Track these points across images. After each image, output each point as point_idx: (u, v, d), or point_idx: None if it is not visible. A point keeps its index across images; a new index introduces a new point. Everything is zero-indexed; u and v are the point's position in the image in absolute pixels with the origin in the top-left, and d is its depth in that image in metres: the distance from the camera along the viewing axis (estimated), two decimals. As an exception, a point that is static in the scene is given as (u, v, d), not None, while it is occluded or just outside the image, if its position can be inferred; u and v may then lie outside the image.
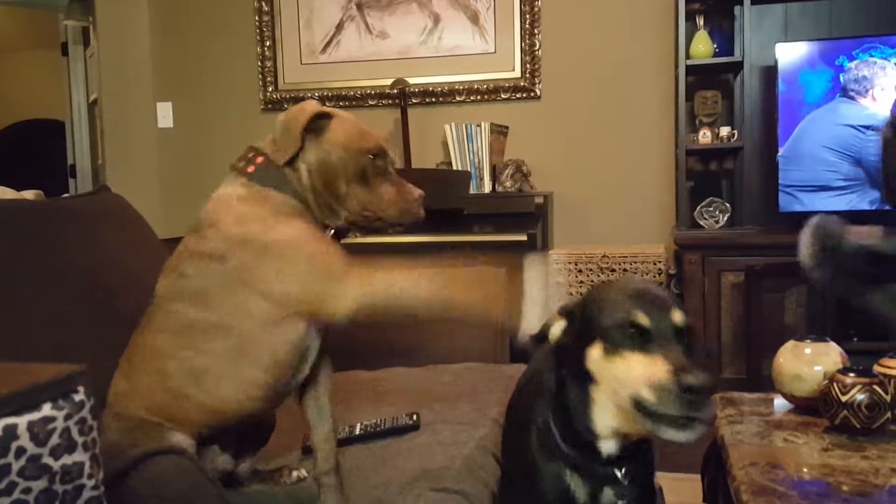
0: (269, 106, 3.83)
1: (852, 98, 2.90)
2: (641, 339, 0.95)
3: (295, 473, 1.40)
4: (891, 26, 3.02)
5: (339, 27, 3.71)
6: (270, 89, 3.82)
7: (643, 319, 0.96)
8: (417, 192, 1.29)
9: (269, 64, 3.81)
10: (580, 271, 3.10)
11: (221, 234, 1.20)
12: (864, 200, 2.91)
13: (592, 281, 3.08)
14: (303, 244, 1.18)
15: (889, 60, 2.87)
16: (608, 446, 1.04)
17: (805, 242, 0.56)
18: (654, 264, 3.03)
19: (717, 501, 1.45)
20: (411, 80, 3.49)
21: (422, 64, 3.60)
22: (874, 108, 2.88)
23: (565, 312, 1.06)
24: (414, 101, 3.58)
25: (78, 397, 0.62)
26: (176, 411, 1.20)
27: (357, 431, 1.51)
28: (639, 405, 0.93)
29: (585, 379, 1.00)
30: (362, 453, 1.43)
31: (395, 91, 3.46)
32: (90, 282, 1.45)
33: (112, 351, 1.25)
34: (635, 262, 3.05)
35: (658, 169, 3.41)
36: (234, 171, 1.29)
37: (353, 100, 3.71)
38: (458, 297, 1.17)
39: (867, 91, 2.90)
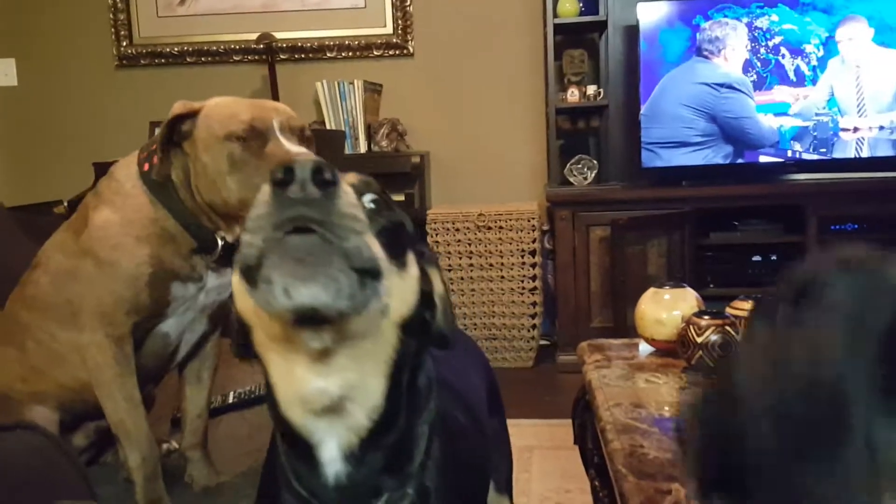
0: (124, 62, 3.56)
1: (707, 57, 3.07)
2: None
3: (165, 446, 1.39)
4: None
5: (199, -23, 3.48)
6: (125, 44, 3.55)
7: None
8: (294, 152, 1.11)
9: (122, 16, 3.53)
10: (457, 230, 3.13)
11: (84, 235, 1.18)
12: (718, 155, 3.10)
13: (470, 240, 3.12)
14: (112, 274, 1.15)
15: (741, 21, 3.05)
16: (327, 451, 0.67)
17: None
18: (529, 221, 3.11)
19: (587, 443, 1.53)
20: (278, 35, 3.35)
21: (289, 18, 3.45)
22: (726, 67, 3.06)
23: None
24: (282, 57, 3.44)
25: None
26: (36, 387, 1.20)
27: (231, 400, 1.47)
28: (249, 280, 0.58)
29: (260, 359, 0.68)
30: (237, 421, 1.41)
31: (262, 46, 3.31)
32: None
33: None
34: (510, 220, 3.11)
35: (530, 127, 3.48)
36: (136, 157, 1.20)
37: (217, 55, 3.52)
38: None
39: (720, 51, 3.07)
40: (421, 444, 0.72)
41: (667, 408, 1.28)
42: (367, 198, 0.67)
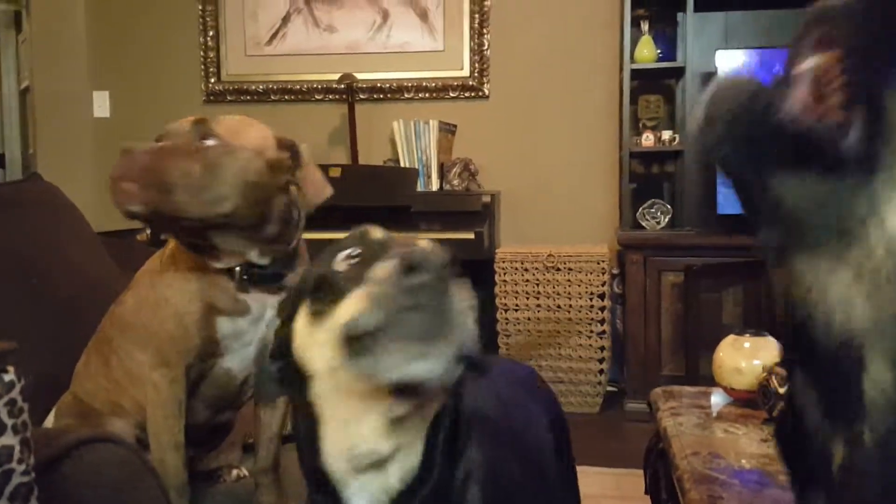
0: (212, 98, 3.73)
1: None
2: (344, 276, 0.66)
3: (235, 472, 1.39)
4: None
5: (286, 19, 3.64)
6: (213, 80, 3.73)
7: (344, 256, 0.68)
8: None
9: (211, 54, 3.72)
10: (526, 270, 3.12)
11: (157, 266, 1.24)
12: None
13: (538, 280, 3.11)
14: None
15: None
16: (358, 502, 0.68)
17: (709, 100, 0.51)
18: (598, 264, 3.08)
19: (660, 493, 1.48)
20: (359, 76, 3.46)
21: (370, 60, 3.57)
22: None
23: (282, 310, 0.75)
24: (362, 97, 3.54)
25: (7, 377, 0.58)
26: (117, 401, 1.22)
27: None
28: (353, 346, 0.61)
29: (305, 405, 0.68)
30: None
31: (343, 86, 3.42)
32: (22, 267, 1.39)
33: (44, 335, 1.22)
34: (580, 262, 3.08)
35: (602, 170, 3.47)
36: None
37: (300, 94, 3.65)
38: None
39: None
40: (459, 495, 0.70)
41: (745, 459, 1.23)
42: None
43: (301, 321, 0.67)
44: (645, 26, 3.23)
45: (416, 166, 3.31)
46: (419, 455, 0.66)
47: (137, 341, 1.21)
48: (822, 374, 0.51)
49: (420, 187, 3.28)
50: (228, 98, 3.72)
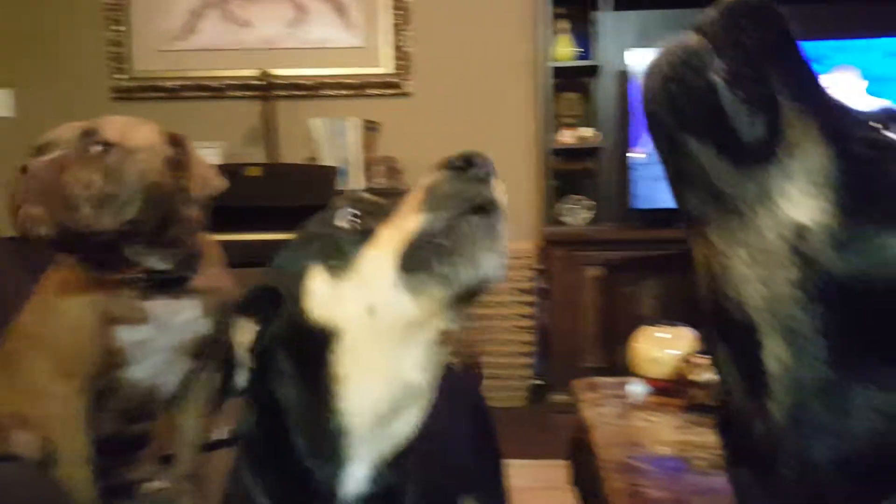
0: (121, 95, 3.57)
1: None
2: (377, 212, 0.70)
3: (153, 484, 1.35)
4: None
5: (199, 13, 3.52)
6: (122, 77, 3.57)
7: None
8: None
9: (120, 49, 3.56)
10: (450, 267, 3.12)
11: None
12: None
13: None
14: None
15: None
16: (357, 474, 0.68)
17: (657, 56, 0.54)
18: (523, 259, 3.12)
19: (584, 483, 1.50)
20: (277, 72, 3.38)
21: (288, 55, 3.49)
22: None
23: (248, 307, 0.72)
24: (280, 93, 3.47)
25: None
26: (24, 413, 1.18)
27: (225, 435, 1.44)
28: (413, 258, 0.63)
29: (315, 373, 0.67)
30: (230, 457, 1.37)
31: (260, 83, 3.34)
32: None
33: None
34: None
35: (524, 167, 3.51)
36: None
37: (215, 91, 3.54)
38: None
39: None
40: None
41: (665, 446, 1.26)
42: None
43: (317, 283, 0.67)
44: (563, 25, 3.29)
45: (339, 165, 3.26)
46: (431, 398, 0.69)
47: (39, 353, 1.15)
48: (737, 349, 0.53)
49: (344, 186, 3.24)
50: (138, 95, 3.57)
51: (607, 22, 3.19)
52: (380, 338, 0.65)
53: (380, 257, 0.65)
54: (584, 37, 3.36)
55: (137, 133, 1.11)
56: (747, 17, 0.53)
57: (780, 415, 0.50)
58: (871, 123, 0.53)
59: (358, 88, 3.51)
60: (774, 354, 0.50)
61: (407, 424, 0.69)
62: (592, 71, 3.33)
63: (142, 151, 1.09)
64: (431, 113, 3.51)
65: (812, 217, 0.49)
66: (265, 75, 3.31)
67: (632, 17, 3.37)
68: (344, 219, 0.70)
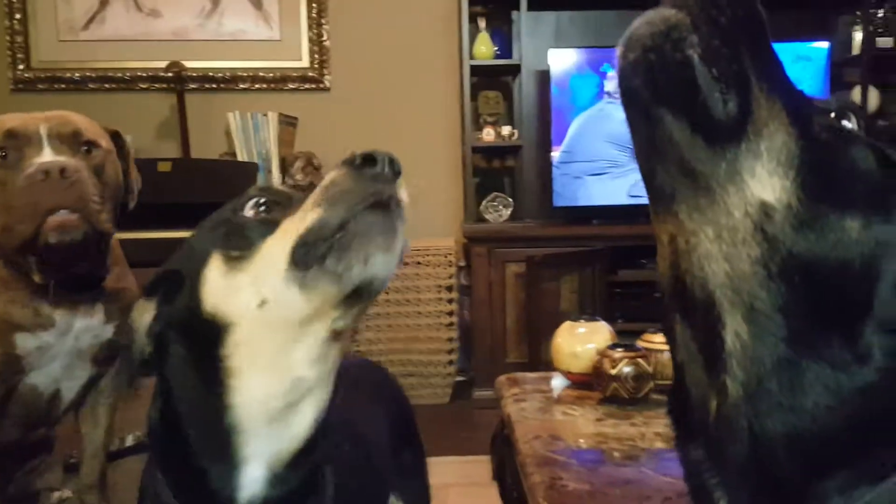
0: (20, 86, 3.37)
1: (615, 100, 3.20)
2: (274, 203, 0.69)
3: (57, 494, 1.30)
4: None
5: (104, 2, 3.35)
6: (21, 67, 3.37)
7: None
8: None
9: (19, 39, 3.36)
10: (372, 265, 3.09)
11: None
12: (639, 186, 3.22)
13: (385, 275, 3.09)
14: None
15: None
16: (253, 475, 0.66)
17: (635, 25, 0.54)
18: (445, 257, 3.12)
19: (506, 478, 1.51)
20: (189, 64, 3.26)
21: (200, 47, 3.38)
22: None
23: (152, 289, 0.71)
24: (192, 86, 3.35)
25: None
26: None
27: (128, 443, 1.38)
28: (305, 253, 0.62)
29: (207, 363, 0.66)
30: (137, 465, 1.31)
31: (171, 75, 3.21)
32: None
33: None
34: (427, 255, 3.11)
35: (446, 165, 3.51)
36: None
37: (122, 82, 3.39)
38: None
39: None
40: (322, 475, 0.72)
41: (583, 439, 1.28)
42: None
43: (214, 272, 0.66)
44: (482, 23, 3.31)
45: (256, 160, 3.17)
46: (327, 398, 0.68)
47: None
48: (697, 325, 0.54)
49: (261, 183, 3.15)
50: (39, 87, 3.38)
51: (526, 22, 3.22)
52: (271, 332, 0.64)
53: (275, 251, 0.63)
54: (501, 36, 3.39)
55: (99, 131, 1.11)
56: None
57: (737, 391, 0.51)
58: (827, 113, 0.55)
59: (275, 82, 3.43)
60: (734, 331, 0.51)
61: (302, 422, 0.67)
62: (513, 70, 3.36)
63: (111, 151, 1.11)
64: (351, 108, 3.47)
65: (776, 196, 0.50)
66: (176, 67, 3.19)
67: (550, 17, 3.42)
68: (252, 208, 0.68)
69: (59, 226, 0.99)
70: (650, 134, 0.54)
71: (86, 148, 1.07)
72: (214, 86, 3.41)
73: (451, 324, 3.12)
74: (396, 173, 0.65)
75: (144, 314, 0.69)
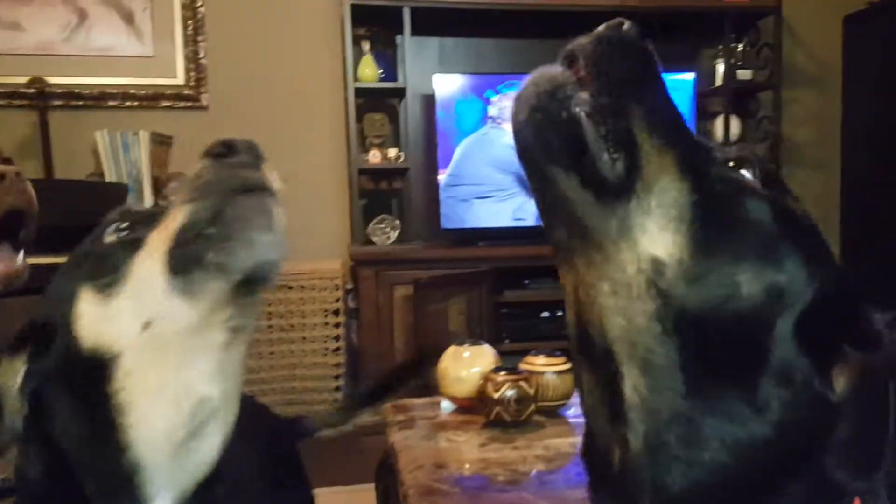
0: None
1: (499, 125, 3.27)
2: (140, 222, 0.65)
3: None
4: (528, 66, 3.46)
5: (-43, 13, 3.10)
6: None
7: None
8: None
9: None
10: (255, 291, 2.99)
11: None
12: (523, 209, 3.29)
13: (269, 300, 2.99)
14: None
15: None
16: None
17: (525, 83, 0.55)
18: (332, 280, 3.06)
19: (390, 509, 1.48)
20: (52, 80, 3.06)
21: (65, 63, 3.17)
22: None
23: (18, 345, 0.65)
24: (56, 103, 3.13)
25: None
26: None
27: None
28: (181, 256, 0.59)
29: (95, 406, 0.61)
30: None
31: (32, 91, 3.00)
32: None
33: None
34: (312, 279, 3.04)
35: (332, 187, 3.46)
36: None
37: (-23, 98, 3.13)
38: None
39: (508, 119, 3.28)
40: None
41: (467, 465, 1.27)
42: None
43: (87, 306, 0.62)
44: (366, 46, 3.30)
45: (126, 181, 3.00)
46: (233, 417, 0.65)
47: None
48: (600, 375, 0.54)
49: (132, 204, 2.98)
50: None
51: (410, 46, 3.24)
52: (161, 353, 0.60)
53: (148, 265, 0.60)
54: (385, 59, 3.39)
55: None
56: (615, 48, 0.53)
57: (637, 443, 0.51)
58: (726, 162, 0.55)
59: (148, 100, 3.27)
60: (632, 384, 0.51)
61: (209, 448, 0.63)
62: (398, 93, 3.36)
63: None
64: (231, 127, 3.32)
65: (668, 251, 0.50)
66: (38, 83, 2.98)
67: (433, 42, 3.46)
68: (113, 233, 0.65)
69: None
70: (544, 191, 0.54)
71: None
72: (81, 103, 3.20)
73: (337, 349, 3.06)
74: (259, 159, 0.63)
75: (11, 374, 0.63)
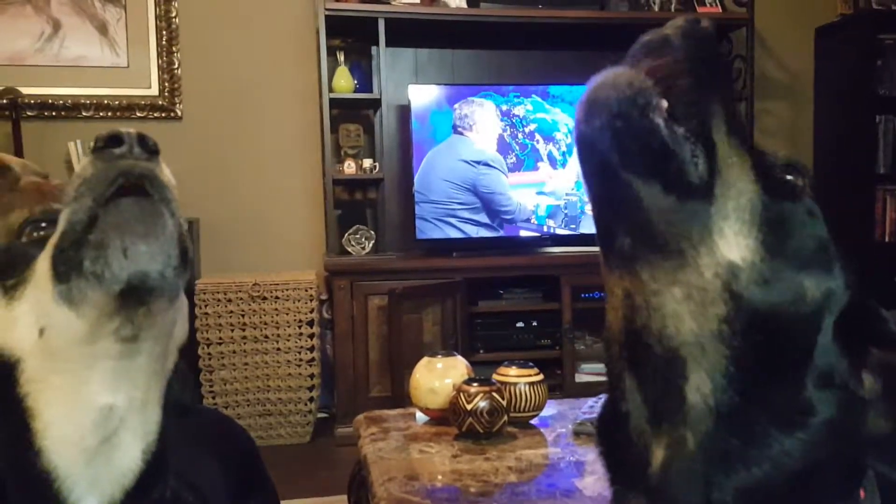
0: None
1: (462, 133, 3.30)
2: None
3: None
4: (503, 78, 3.50)
5: (-73, 22, 3.07)
6: None
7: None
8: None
9: None
10: (230, 301, 2.98)
11: None
12: (482, 227, 3.32)
13: (243, 311, 2.99)
14: None
15: (499, 106, 3.33)
16: None
17: (595, 86, 0.52)
18: (306, 290, 3.06)
19: (363, 521, 1.49)
20: (25, 91, 3.03)
21: (38, 73, 3.15)
22: (481, 144, 3.30)
23: None
24: (29, 113, 3.11)
25: None
26: None
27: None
28: (63, 262, 0.57)
29: (6, 410, 0.60)
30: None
31: (5, 101, 2.97)
32: None
33: None
34: (287, 290, 3.04)
35: (307, 197, 3.46)
36: None
37: (-53, 107, 3.09)
38: None
39: (471, 126, 3.32)
40: None
41: (439, 477, 1.29)
42: None
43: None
44: (341, 57, 3.31)
45: (100, 192, 2.98)
46: (156, 428, 0.63)
47: None
48: (651, 379, 0.54)
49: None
50: None
51: (385, 57, 3.27)
52: (58, 361, 0.58)
53: (42, 269, 0.57)
54: (360, 70, 3.41)
55: None
56: (703, 45, 0.53)
57: (693, 443, 0.52)
58: (782, 167, 0.56)
59: (122, 110, 3.26)
60: (696, 386, 0.52)
61: (127, 457, 0.61)
62: (373, 104, 3.38)
63: None
64: (206, 138, 3.35)
65: (742, 255, 0.51)
66: (11, 93, 2.96)
67: (408, 54, 3.49)
68: (28, 232, 0.62)
69: None
70: (614, 198, 0.53)
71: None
72: (54, 114, 3.18)
73: (312, 359, 3.06)
74: (152, 152, 0.58)
75: None
